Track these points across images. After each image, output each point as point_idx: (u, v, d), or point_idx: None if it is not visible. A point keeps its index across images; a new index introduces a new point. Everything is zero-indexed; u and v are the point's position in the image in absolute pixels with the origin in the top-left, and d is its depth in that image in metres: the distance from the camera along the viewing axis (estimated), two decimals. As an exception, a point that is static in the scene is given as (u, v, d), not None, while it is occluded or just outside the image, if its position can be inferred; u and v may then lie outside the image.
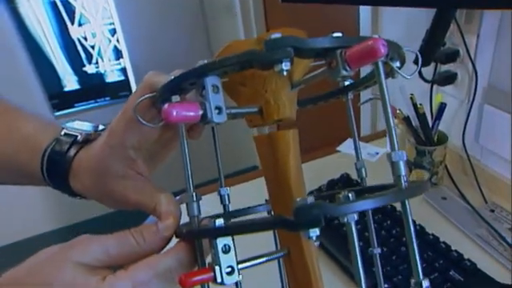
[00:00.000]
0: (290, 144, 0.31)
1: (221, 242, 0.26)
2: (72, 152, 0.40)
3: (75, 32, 1.75)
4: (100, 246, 0.29)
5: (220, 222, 0.26)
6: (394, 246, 0.64)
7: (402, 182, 0.27)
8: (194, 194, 0.27)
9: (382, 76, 0.27)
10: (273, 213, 0.38)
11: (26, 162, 0.41)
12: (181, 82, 0.27)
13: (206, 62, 0.26)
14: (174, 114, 0.24)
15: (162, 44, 1.89)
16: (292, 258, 0.31)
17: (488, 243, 0.65)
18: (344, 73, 0.26)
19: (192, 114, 0.25)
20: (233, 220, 0.38)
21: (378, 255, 0.40)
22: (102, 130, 0.41)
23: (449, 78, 0.80)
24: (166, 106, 0.24)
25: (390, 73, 0.31)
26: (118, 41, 1.81)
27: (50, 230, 2.08)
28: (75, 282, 0.27)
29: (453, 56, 0.77)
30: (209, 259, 0.29)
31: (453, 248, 0.62)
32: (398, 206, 0.72)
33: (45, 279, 0.27)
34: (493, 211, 0.72)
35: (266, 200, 0.38)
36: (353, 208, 0.23)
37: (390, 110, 0.28)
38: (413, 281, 0.27)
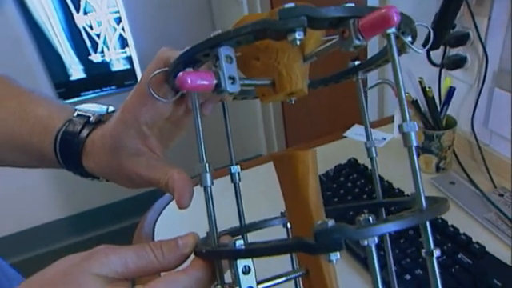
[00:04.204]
0: (309, 165, 0.31)
1: (241, 263, 0.27)
2: (85, 132, 0.40)
3: (81, 20, 1.75)
4: (119, 258, 0.29)
5: (240, 243, 0.26)
6: (402, 229, 0.64)
7: (422, 202, 0.27)
8: (207, 165, 0.27)
9: (395, 48, 0.27)
10: (289, 226, 0.38)
11: (39, 143, 0.42)
12: (195, 53, 0.27)
13: (219, 32, 0.26)
14: (189, 81, 0.24)
15: (168, 32, 1.89)
16: (311, 277, 0.31)
17: (497, 227, 0.65)
18: (357, 42, 0.26)
19: (206, 82, 0.25)
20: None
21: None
22: (114, 111, 0.42)
23: (458, 62, 0.79)
24: (181, 74, 0.24)
25: (402, 48, 0.31)
26: (123, 29, 1.81)
27: (56, 218, 2.10)
28: None
29: (463, 39, 0.76)
30: (227, 278, 0.29)
31: (461, 232, 0.62)
32: (405, 189, 0.72)
33: None
34: (502, 196, 0.72)
35: (282, 213, 0.39)
36: (373, 232, 0.23)
37: (401, 82, 0.28)
38: (424, 250, 0.27)
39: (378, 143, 0.91)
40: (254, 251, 0.27)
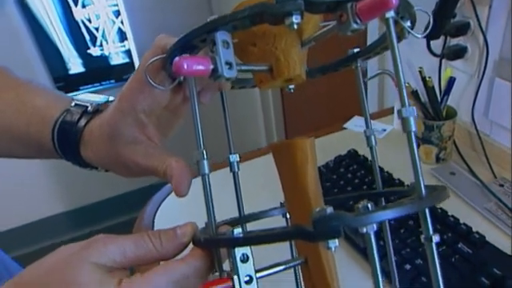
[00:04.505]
0: (307, 153, 0.31)
1: (239, 251, 0.27)
2: (82, 122, 0.40)
3: (79, 14, 1.74)
4: (117, 247, 0.29)
5: (238, 231, 0.26)
6: (402, 219, 0.64)
7: (422, 189, 0.27)
8: (205, 152, 0.27)
9: (393, 33, 0.27)
10: (288, 216, 0.38)
11: (37, 133, 0.42)
12: (191, 38, 0.27)
13: (216, 16, 0.26)
14: (185, 66, 0.24)
15: (167, 26, 1.87)
16: (310, 266, 0.31)
17: (497, 217, 0.65)
18: (355, 26, 0.25)
19: (202, 67, 0.25)
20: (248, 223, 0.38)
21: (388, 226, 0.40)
22: (112, 101, 0.42)
23: (458, 52, 0.79)
24: (177, 58, 0.24)
25: (401, 33, 0.31)
26: (122, 23, 1.80)
27: (56, 213, 2.10)
28: (92, 284, 0.27)
29: (463, 29, 0.76)
30: (225, 267, 0.29)
31: (461, 221, 0.62)
32: (405, 180, 0.71)
33: (62, 279, 0.27)
34: (502, 186, 0.71)
35: (281, 203, 0.38)
36: (372, 219, 0.23)
37: (400, 67, 0.28)
38: (423, 236, 0.27)
39: (378, 134, 0.91)
40: (252, 239, 0.26)
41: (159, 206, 0.77)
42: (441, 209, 0.65)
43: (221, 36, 0.26)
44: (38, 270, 0.29)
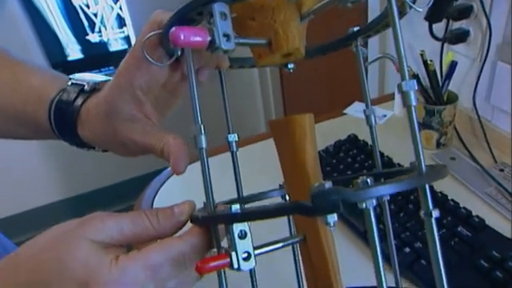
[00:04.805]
0: (306, 128, 0.30)
1: (237, 227, 0.26)
2: (79, 101, 0.40)
3: (77, -1, 1.72)
4: (114, 224, 0.28)
5: (236, 207, 0.26)
6: (401, 203, 0.64)
7: (422, 165, 0.26)
8: (202, 126, 0.27)
9: (394, 5, 0.26)
10: (288, 198, 0.37)
11: (34, 113, 0.41)
12: (188, 11, 0.26)
13: None
14: (182, 37, 0.23)
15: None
16: (308, 243, 0.31)
17: (497, 201, 0.65)
18: (354, -4, 0.25)
19: (200, 39, 0.24)
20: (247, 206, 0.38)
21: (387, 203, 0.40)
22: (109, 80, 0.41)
23: (461, 36, 0.78)
24: (174, 29, 0.24)
25: (402, 8, 0.30)
26: (120, 8, 1.78)
27: (55, 200, 2.11)
28: (89, 260, 0.26)
29: (466, 12, 0.75)
30: (223, 245, 0.28)
31: (461, 205, 0.62)
32: (405, 164, 0.71)
33: (58, 256, 0.27)
34: (502, 170, 0.71)
35: (280, 185, 0.38)
36: (371, 193, 0.22)
37: (401, 40, 0.27)
38: (422, 212, 0.26)
39: (378, 120, 0.90)
40: (250, 214, 0.26)
41: (158, 190, 0.77)
42: (441, 193, 0.65)
43: (218, 7, 0.25)
44: (33, 248, 0.29)
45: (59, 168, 2.01)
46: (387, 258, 0.41)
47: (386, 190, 0.25)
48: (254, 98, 2.08)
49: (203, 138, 0.27)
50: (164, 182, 0.78)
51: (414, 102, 0.26)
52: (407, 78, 0.27)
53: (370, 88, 0.40)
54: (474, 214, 0.60)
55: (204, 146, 0.27)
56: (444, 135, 0.77)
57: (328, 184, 0.23)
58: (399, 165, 0.72)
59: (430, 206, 0.26)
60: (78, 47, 1.80)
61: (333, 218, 0.23)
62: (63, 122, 0.40)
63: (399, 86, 0.27)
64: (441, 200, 0.64)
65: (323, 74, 1.52)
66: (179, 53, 0.32)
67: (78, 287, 0.26)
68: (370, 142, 0.79)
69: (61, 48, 1.77)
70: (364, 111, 0.39)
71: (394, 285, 0.40)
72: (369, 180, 0.24)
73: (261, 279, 0.39)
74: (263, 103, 2.04)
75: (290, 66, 0.43)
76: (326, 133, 0.85)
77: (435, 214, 0.26)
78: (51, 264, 0.27)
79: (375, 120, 0.39)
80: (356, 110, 0.93)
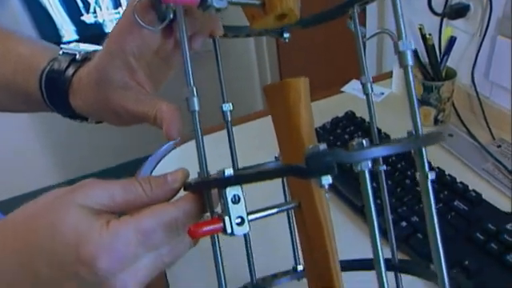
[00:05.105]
0: (300, 92, 0.30)
1: (230, 192, 0.26)
2: (71, 71, 0.39)
3: (71, -22, 1.69)
4: (105, 190, 0.28)
5: (229, 171, 0.26)
6: (398, 179, 0.63)
7: (418, 127, 0.26)
8: (195, 89, 0.26)
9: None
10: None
11: (24, 82, 0.40)
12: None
13: None
14: (171, -8, 0.23)
15: (162, -9, 1.83)
16: (303, 210, 0.31)
17: (494, 176, 0.65)
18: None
19: (190, -6, 0.23)
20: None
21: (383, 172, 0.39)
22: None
23: (460, 11, 0.76)
24: (163, -17, 0.23)
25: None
26: (115, -12, 1.75)
27: (52, 183, 2.11)
28: (79, 224, 0.26)
29: (466, -15, 0.73)
30: (218, 211, 0.28)
31: (458, 180, 0.62)
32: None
33: (48, 221, 0.26)
34: (499, 147, 0.71)
35: (276, 157, 0.38)
36: (367, 155, 0.22)
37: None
38: (418, 174, 0.26)
39: (376, 98, 0.89)
40: (243, 177, 0.26)
41: (154, 168, 0.76)
42: (438, 168, 0.64)
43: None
44: (24, 215, 0.28)
45: (55, 152, 2.01)
46: (384, 233, 0.41)
47: (381, 151, 0.25)
48: (251, 73, 2.07)
49: (196, 100, 0.26)
50: (160, 160, 0.77)
51: (410, 62, 0.26)
52: (404, 37, 0.26)
53: (367, 66, 0.39)
54: (470, 188, 0.60)
55: (197, 108, 0.26)
56: (442, 112, 0.77)
57: (323, 146, 0.22)
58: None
59: (427, 169, 0.26)
60: (72, 28, 1.77)
61: (327, 180, 0.23)
62: (55, 91, 0.39)
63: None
64: (438, 175, 0.63)
65: (322, 52, 1.50)
66: (171, 16, 0.31)
67: (70, 251, 0.26)
68: (367, 119, 0.79)
69: (55, 29, 1.75)
70: (360, 79, 0.38)
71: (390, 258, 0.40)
72: (364, 141, 0.24)
73: (256, 249, 0.38)
74: (260, 83, 2.02)
75: (286, 35, 0.42)
76: (323, 110, 0.84)
77: (431, 176, 0.26)
78: (42, 230, 0.27)
79: (372, 88, 0.38)
80: (354, 87, 0.92)
